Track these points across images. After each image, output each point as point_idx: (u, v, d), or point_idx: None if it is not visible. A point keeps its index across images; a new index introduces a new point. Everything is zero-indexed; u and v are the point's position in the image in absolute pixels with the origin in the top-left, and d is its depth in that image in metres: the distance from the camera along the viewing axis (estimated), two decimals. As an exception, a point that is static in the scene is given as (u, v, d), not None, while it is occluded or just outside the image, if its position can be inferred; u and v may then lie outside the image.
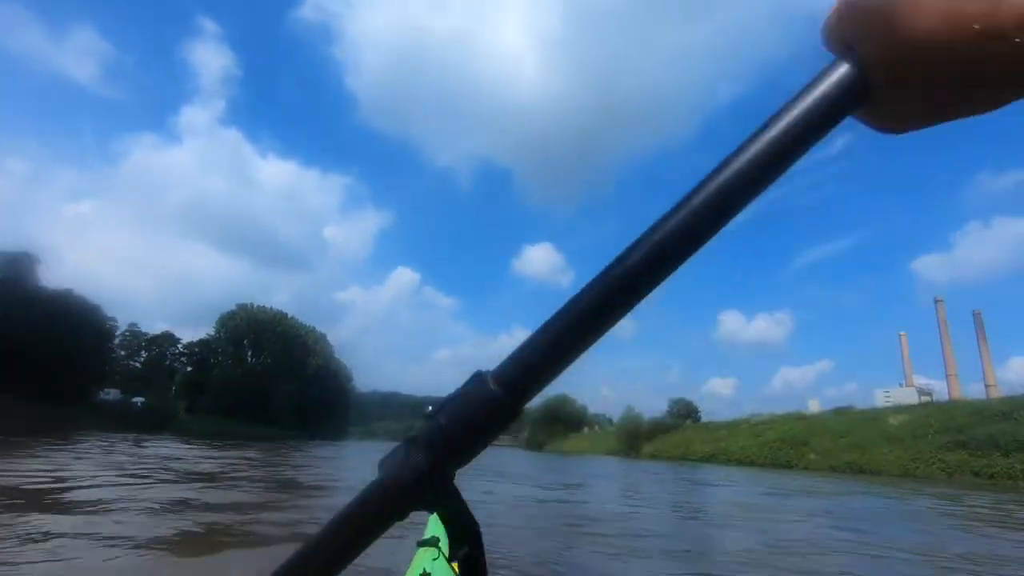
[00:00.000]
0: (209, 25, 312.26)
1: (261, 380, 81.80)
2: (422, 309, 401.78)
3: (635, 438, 55.26)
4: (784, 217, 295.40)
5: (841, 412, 35.74)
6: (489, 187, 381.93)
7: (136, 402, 53.46)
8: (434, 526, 2.09)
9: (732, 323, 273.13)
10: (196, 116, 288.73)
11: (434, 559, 1.73)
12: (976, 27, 0.24)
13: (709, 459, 37.35)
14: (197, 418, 66.22)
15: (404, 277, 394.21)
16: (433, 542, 1.79)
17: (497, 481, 12.75)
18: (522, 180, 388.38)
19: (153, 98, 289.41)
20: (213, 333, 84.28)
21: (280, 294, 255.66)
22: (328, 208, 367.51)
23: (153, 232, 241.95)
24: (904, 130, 0.32)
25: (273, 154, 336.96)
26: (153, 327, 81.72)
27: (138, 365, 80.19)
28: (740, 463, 32.69)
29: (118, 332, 78.46)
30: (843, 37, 0.30)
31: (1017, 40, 0.23)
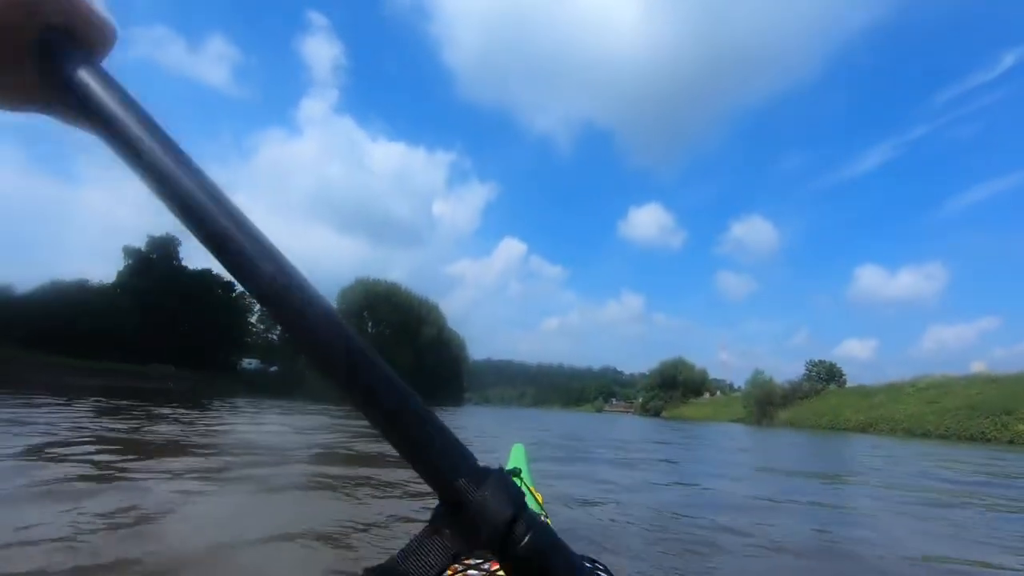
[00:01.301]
0: (318, 18, 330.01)
1: (380, 349, 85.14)
2: (530, 279, 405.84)
3: (767, 404, 50.09)
4: (935, 154, 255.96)
5: None
6: (591, 150, 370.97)
7: (271, 370, 57.72)
8: (515, 457, 2.24)
9: (871, 279, 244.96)
10: (313, 107, 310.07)
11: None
12: None
13: (865, 428, 32.06)
14: (325, 384, 70.74)
15: (511, 248, 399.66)
16: (516, 472, 1.84)
17: (617, 466, 9.92)
18: (625, 140, 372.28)
19: (276, 94, 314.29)
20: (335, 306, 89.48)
21: (396, 270, 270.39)
22: (435, 184, 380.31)
23: (282, 219, 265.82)
24: None
25: (383, 136, 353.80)
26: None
27: (274, 337, 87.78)
28: (909, 434, 27.42)
29: (256, 308, 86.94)
30: None
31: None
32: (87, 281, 42.08)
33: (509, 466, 2.05)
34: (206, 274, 49.25)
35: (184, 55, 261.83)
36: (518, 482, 1.55)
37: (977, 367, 42.07)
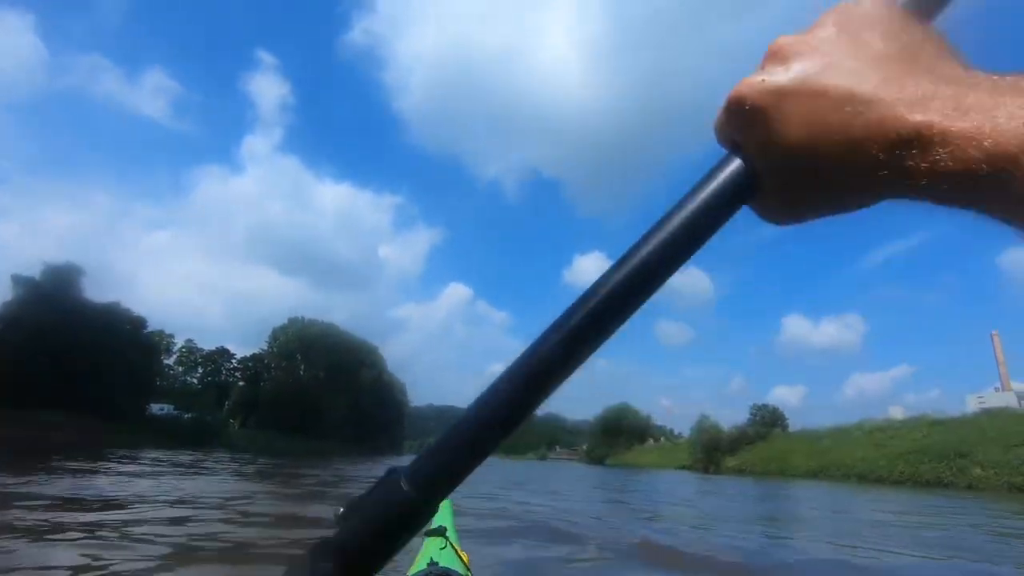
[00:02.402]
0: (266, 57, 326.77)
1: (313, 394, 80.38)
2: (475, 323, 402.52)
3: (714, 450, 49.21)
4: (848, 215, 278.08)
5: (994, 414, 29.10)
6: (538, 199, 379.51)
7: (185, 417, 52.02)
8: (441, 516, 2.07)
9: (797, 328, 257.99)
10: (257, 145, 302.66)
11: (441, 548, 1.77)
12: (836, 138, 0.27)
13: (816, 474, 31.35)
14: (248, 433, 64.95)
15: (457, 293, 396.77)
16: (440, 531, 1.82)
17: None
18: (571, 189, 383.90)
19: (218, 130, 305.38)
20: (266, 348, 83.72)
21: (338, 312, 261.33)
22: (381, 228, 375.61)
23: (220, 258, 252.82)
24: (789, 223, 0.34)
25: (329, 178, 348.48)
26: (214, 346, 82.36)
27: (195, 381, 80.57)
28: (862, 479, 26.77)
29: (175, 348, 79.71)
30: (731, 136, 0.34)
31: (872, 151, 0.26)
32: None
33: (434, 523, 1.90)
34: (112, 308, 44.21)
35: (120, 85, 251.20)
36: (442, 542, 1.72)
37: (895, 411, 42.94)
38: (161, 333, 78.22)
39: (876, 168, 0.26)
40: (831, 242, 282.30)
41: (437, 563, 1.62)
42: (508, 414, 0.33)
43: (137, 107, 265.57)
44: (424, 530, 1.47)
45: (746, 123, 0.31)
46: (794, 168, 0.30)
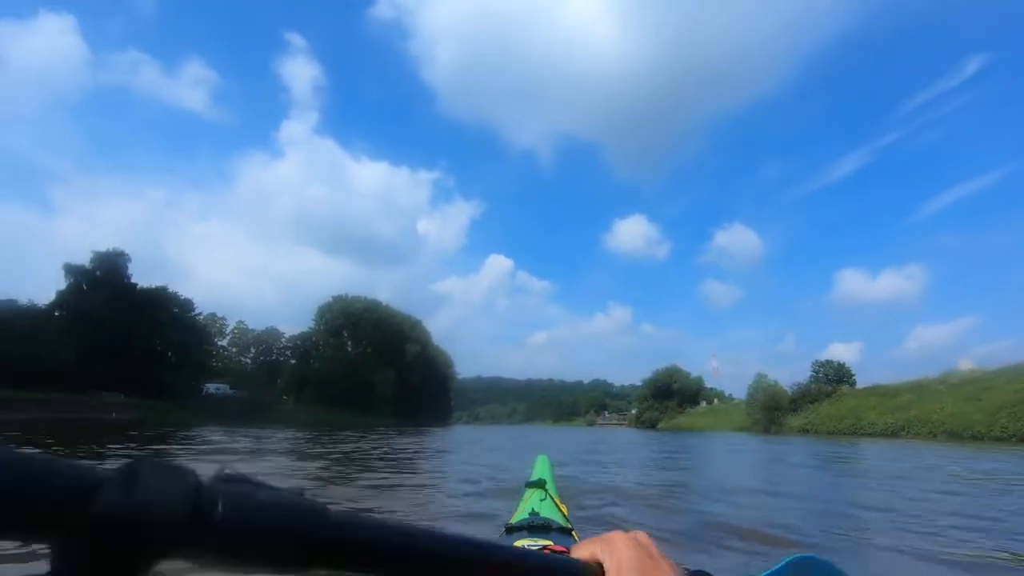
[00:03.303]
0: (296, 39, 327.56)
1: (361, 369, 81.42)
2: (518, 294, 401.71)
3: (775, 410, 46.56)
4: (908, 159, 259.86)
5: None
6: (574, 163, 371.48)
7: (237, 396, 53.10)
8: (540, 468, 2.33)
9: (852, 282, 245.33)
10: (294, 129, 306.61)
11: (542, 499, 1.91)
12: None
13: (897, 433, 28.65)
14: (301, 409, 66.32)
15: (498, 264, 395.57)
16: (540, 484, 2.01)
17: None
18: (607, 153, 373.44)
19: (256, 116, 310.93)
20: (313, 326, 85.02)
21: (382, 290, 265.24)
22: (420, 203, 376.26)
23: (266, 243, 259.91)
24: None
25: (365, 157, 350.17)
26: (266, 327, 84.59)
27: (248, 361, 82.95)
28: (954, 437, 24.05)
29: (228, 330, 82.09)
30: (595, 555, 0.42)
31: None
32: (15, 301, 37.37)
33: (534, 477, 2.16)
34: (161, 292, 44.94)
35: (159, 79, 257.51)
36: (542, 494, 2.02)
37: (964, 364, 39.19)
38: (214, 316, 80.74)
39: None
40: (887, 190, 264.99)
41: (538, 513, 1.70)
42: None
43: (178, 99, 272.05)
44: (526, 482, 2.14)
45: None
46: None
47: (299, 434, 23.31)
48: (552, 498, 1.90)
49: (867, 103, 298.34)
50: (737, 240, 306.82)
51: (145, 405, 38.33)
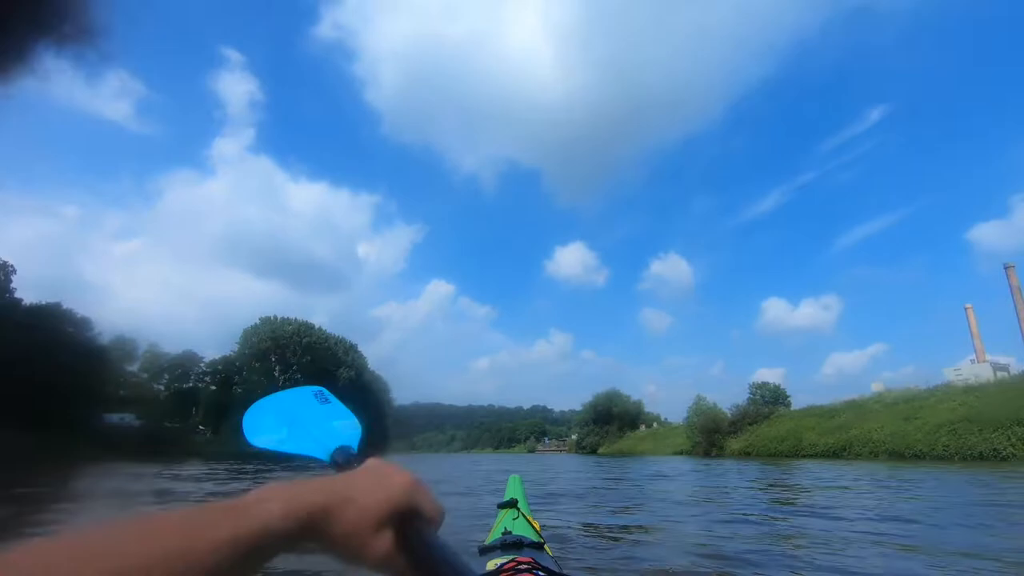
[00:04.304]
0: (232, 54, 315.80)
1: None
2: (459, 320, 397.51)
3: (714, 432, 46.46)
4: (823, 197, 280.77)
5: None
6: (517, 190, 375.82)
7: (145, 426, 47.64)
8: (512, 488, 2.40)
9: (776, 311, 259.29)
10: (227, 147, 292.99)
11: (514, 518, 1.93)
12: None
13: (839, 453, 28.60)
14: (220, 440, 60.81)
15: (440, 289, 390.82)
16: (512, 503, 2.03)
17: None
18: (550, 179, 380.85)
19: (185, 132, 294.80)
20: (236, 350, 79.11)
21: (318, 315, 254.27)
22: (360, 227, 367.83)
23: (193, 264, 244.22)
24: None
25: (304, 177, 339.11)
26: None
27: (160, 388, 75.77)
28: (897, 457, 24.01)
29: (138, 354, 74.75)
30: None
31: None
32: None
33: (506, 496, 2.20)
34: (52, 309, 39.70)
35: (78, 87, 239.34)
36: (515, 513, 2.03)
37: (876, 387, 41.27)
38: (122, 338, 73.47)
39: None
40: (806, 224, 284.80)
41: (511, 532, 1.72)
42: None
43: (98, 109, 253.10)
44: (498, 503, 2.16)
45: None
46: None
47: (205, 470, 20.40)
48: (524, 516, 1.91)
49: (788, 143, 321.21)
50: (672, 269, 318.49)
51: (20, 437, 33.19)
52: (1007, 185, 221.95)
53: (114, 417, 52.37)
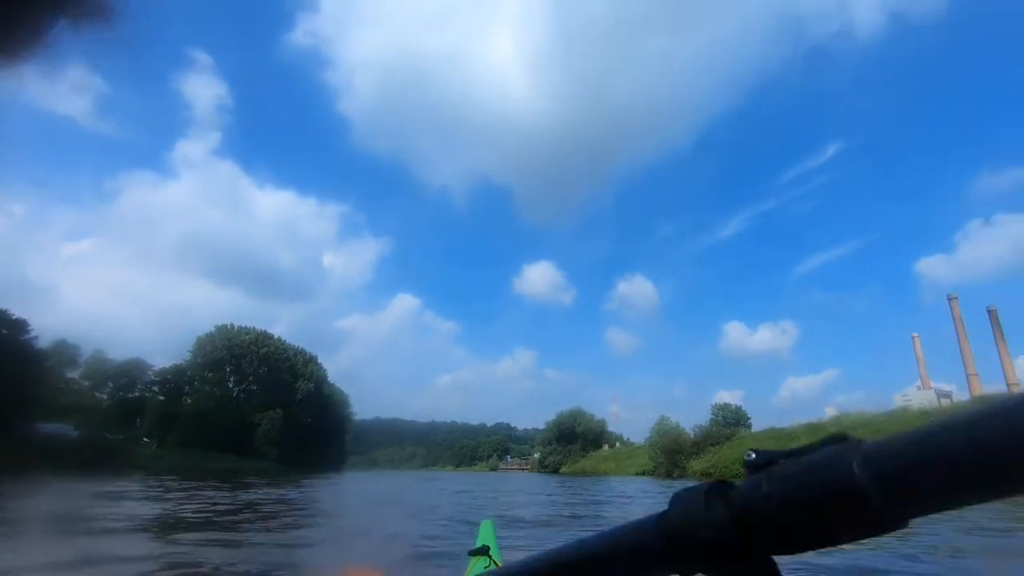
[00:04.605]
0: (201, 56, 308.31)
1: (244, 408, 73.37)
2: (423, 335, 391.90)
3: (677, 453, 46.63)
4: (782, 225, 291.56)
5: (984, 399, 27.50)
6: (487, 206, 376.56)
7: (77, 435, 44.73)
8: (484, 534, 2.34)
9: (736, 334, 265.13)
10: (191, 149, 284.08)
11: (486, 567, 1.84)
12: None
13: (798, 475, 28.99)
14: (167, 453, 57.77)
15: (405, 303, 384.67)
16: (484, 551, 1.94)
17: None
18: (520, 198, 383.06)
19: (147, 132, 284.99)
20: (189, 358, 75.76)
21: (280, 325, 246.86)
22: (327, 237, 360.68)
23: (149, 268, 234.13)
24: None
25: (270, 184, 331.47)
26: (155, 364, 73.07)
27: (104, 396, 71.72)
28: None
29: (81, 360, 70.72)
30: None
31: None
32: None
33: (478, 543, 2.10)
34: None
35: (33, 80, 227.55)
36: (486, 561, 1.93)
37: (829, 411, 42.71)
38: (64, 343, 69.44)
39: None
40: (766, 251, 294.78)
41: None
42: None
43: (54, 104, 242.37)
44: (469, 551, 2.08)
45: None
46: None
47: (141, 487, 19.08)
48: (496, 564, 1.82)
49: (750, 172, 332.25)
50: (637, 291, 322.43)
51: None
52: (952, 222, 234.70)
53: (49, 427, 49.10)
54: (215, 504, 11.37)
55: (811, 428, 35.10)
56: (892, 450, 0.25)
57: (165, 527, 7.27)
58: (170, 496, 13.00)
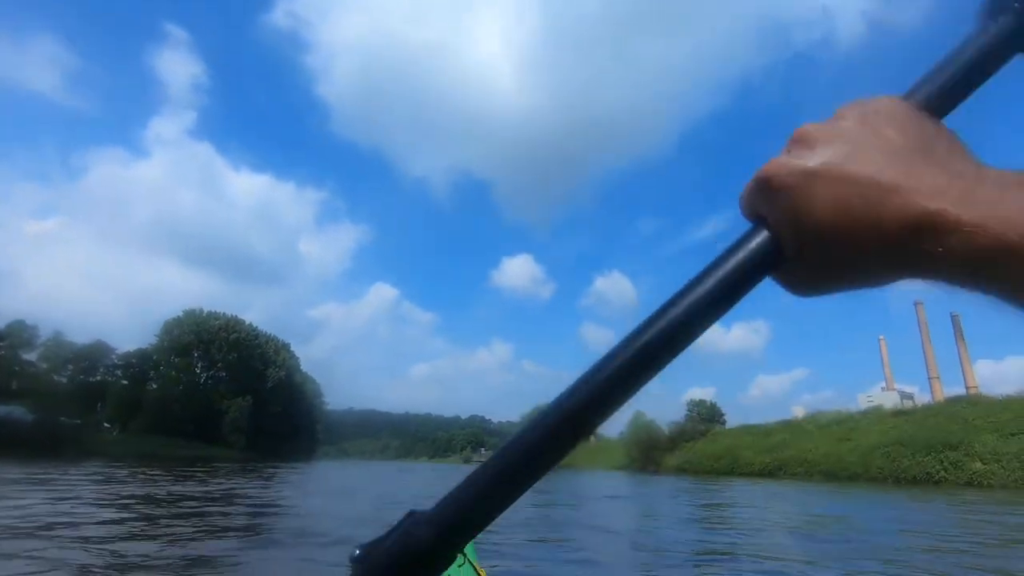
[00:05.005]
0: (176, 31, 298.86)
1: (212, 395, 71.27)
2: (400, 324, 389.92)
3: (652, 449, 46.53)
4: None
5: (973, 401, 27.63)
6: (468, 199, 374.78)
7: (32, 420, 42.58)
8: None
9: (710, 333, 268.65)
10: (164, 128, 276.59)
11: (460, 565, 1.57)
12: (859, 221, 0.29)
13: (774, 473, 28.77)
14: (128, 439, 55.70)
15: (382, 293, 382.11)
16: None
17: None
18: (501, 192, 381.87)
19: (119, 108, 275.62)
20: (155, 343, 73.18)
21: (253, 312, 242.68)
22: (304, 222, 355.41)
23: (116, 247, 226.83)
24: (811, 295, 0.35)
25: (246, 167, 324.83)
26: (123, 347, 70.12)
27: (63, 380, 68.82)
28: (830, 477, 24.22)
29: (39, 342, 67.70)
30: (757, 210, 0.35)
31: (892, 236, 0.28)
32: None
33: None
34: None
35: (2, 51, 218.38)
36: (461, 559, 1.80)
37: (797, 410, 43.21)
38: (21, 323, 66.36)
39: (895, 251, 0.28)
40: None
41: None
42: (538, 457, 0.33)
43: (22, 77, 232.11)
44: None
45: (774, 200, 0.33)
46: (819, 246, 0.31)
47: (89, 473, 17.90)
48: (471, 563, 1.77)
49: (731, 173, 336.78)
50: (614, 287, 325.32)
51: None
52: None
53: (1, 409, 46.85)
54: (151, 493, 10.46)
55: (789, 425, 35.11)
56: (447, 501, 0.32)
57: (65, 519, 6.39)
58: (108, 484, 11.99)
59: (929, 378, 54.67)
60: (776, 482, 23.90)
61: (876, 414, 30.12)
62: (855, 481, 22.42)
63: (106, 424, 63.78)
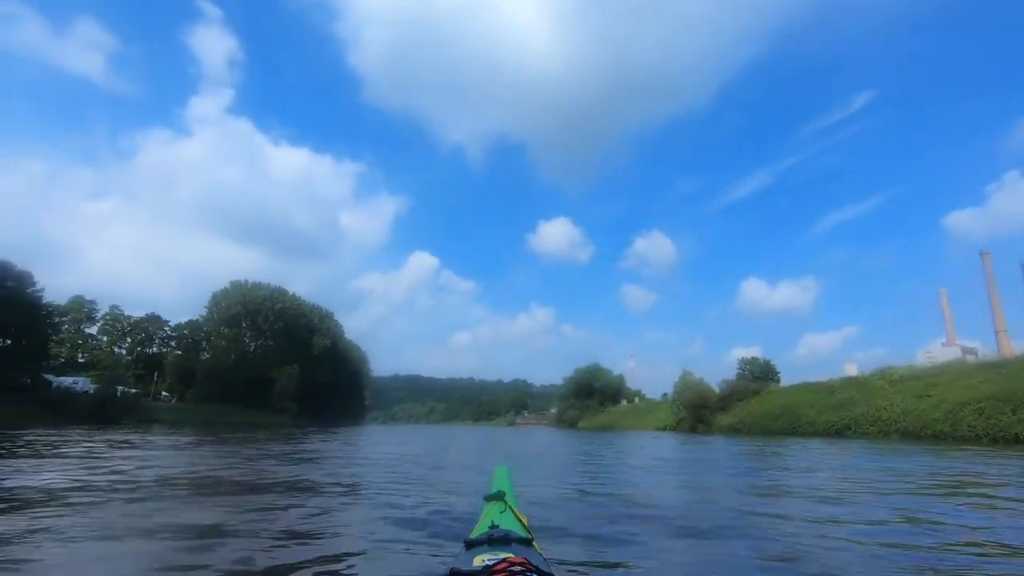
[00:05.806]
0: (210, 9, 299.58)
1: (260, 363, 73.08)
2: (441, 293, 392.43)
3: (702, 408, 44.80)
4: (805, 180, 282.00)
5: None
6: (503, 163, 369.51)
7: (95, 390, 44.25)
8: (499, 480, 2.36)
9: (754, 291, 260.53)
10: (205, 106, 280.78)
11: (501, 511, 1.90)
12: None
13: (842, 432, 26.80)
14: (184, 407, 57.75)
15: (422, 262, 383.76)
16: (499, 496, 2.00)
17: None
18: (537, 154, 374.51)
19: (161, 89, 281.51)
20: (205, 314, 75.31)
21: (298, 284, 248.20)
22: (343, 195, 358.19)
23: (169, 227, 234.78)
24: None
25: (285, 142, 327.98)
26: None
27: (123, 352, 71.97)
28: (911, 437, 22.16)
29: (98, 316, 70.63)
30: None
31: None
32: None
33: (493, 489, 2.13)
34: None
35: (45, 38, 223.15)
36: (502, 506, 1.95)
37: (849, 368, 40.19)
38: (81, 299, 69.24)
39: None
40: (788, 208, 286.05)
41: (498, 526, 1.67)
42: None
43: (67, 63, 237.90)
44: (485, 495, 2.13)
45: None
46: None
47: (157, 436, 17.98)
48: (512, 510, 1.87)
49: (773, 127, 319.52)
50: (655, 247, 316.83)
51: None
52: (983, 174, 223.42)
53: (67, 380, 49.03)
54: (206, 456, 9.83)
55: (855, 382, 32.68)
56: None
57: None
58: (191, 447, 11.51)
59: (996, 332, 51.61)
60: (845, 440, 22.03)
61: (959, 368, 27.48)
62: (942, 440, 20.35)
63: (164, 393, 66.57)
